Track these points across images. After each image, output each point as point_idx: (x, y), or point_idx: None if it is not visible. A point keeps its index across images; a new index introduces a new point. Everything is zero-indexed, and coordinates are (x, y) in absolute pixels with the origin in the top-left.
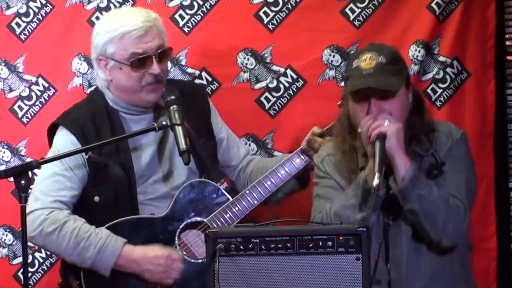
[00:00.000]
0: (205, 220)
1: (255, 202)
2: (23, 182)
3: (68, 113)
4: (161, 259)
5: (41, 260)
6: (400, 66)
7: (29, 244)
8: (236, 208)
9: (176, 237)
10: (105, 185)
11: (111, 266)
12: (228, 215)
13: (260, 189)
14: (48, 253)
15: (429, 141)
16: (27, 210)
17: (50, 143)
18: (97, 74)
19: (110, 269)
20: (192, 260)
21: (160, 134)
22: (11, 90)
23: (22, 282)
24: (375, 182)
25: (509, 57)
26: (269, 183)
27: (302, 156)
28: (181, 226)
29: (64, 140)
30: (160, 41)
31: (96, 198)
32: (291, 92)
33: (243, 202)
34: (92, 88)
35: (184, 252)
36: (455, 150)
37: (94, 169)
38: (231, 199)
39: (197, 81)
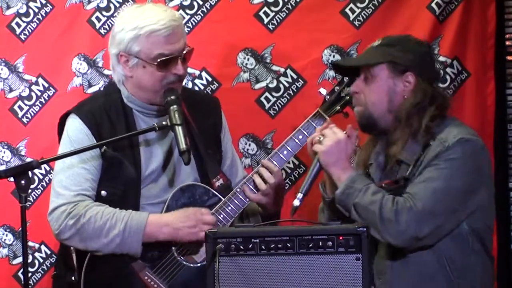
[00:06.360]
0: None
1: (247, 200)
2: (23, 182)
3: (83, 103)
4: (191, 213)
5: (41, 260)
6: (395, 49)
7: (29, 244)
8: (229, 208)
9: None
10: (116, 182)
11: (141, 238)
12: (222, 216)
13: (251, 186)
14: (49, 252)
15: (420, 147)
16: (51, 206)
17: (60, 133)
18: (113, 69)
19: (141, 243)
20: (191, 265)
21: (170, 142)
22: (11, 90)
23: (22, 282)
24: (295, 202)
25: (509, 57)
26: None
27: (288, 148)
28: None
29: (77, 129)
30: (184, 41)
31: (103, 193)
32: (291, 92)
33: (236, 201)
34: (93, 89)
35: (183, 257)
36: (442, 155)
37: (108, 164)
38: (223, 199)
39: (197, 81)
